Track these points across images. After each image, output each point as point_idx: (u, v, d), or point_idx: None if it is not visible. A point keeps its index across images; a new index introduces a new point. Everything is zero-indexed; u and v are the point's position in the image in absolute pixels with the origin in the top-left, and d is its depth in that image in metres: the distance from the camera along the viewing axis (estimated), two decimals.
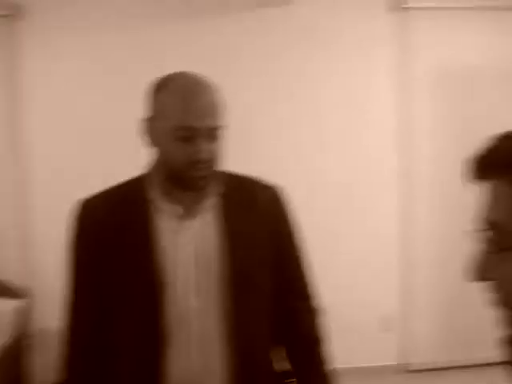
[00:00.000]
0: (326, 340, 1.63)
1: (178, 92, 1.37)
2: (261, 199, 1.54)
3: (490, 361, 4.25)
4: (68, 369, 1.49)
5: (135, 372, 1.43)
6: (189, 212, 1.46)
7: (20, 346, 3.54)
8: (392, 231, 4.25)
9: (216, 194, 1.49)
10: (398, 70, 4.18)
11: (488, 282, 0.71)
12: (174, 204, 1.45)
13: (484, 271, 0.71)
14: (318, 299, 1.66)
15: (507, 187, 0.68)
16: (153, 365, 1.41)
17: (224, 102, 1.44)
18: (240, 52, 4.03)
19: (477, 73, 4.21)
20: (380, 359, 4.26)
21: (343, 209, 4.15)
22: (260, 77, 4.03)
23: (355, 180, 4.18)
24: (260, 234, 1.50)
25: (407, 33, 4.14)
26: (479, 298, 0.72)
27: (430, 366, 4.26)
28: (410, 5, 4.09)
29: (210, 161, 1.40)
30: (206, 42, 3.99)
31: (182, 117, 1.35)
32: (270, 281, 1.53)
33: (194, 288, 1.43)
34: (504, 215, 0.68)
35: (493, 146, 0.70)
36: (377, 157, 4.22)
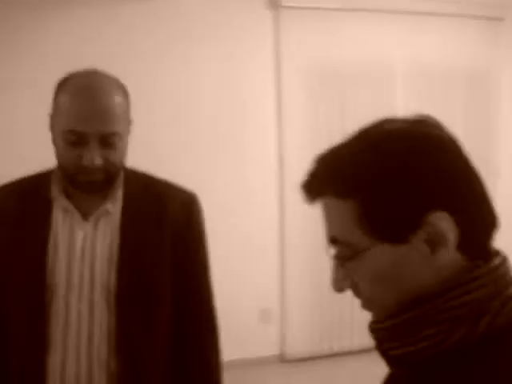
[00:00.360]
0: (220, 364, 1.55)
1: (72, 94, 1.32)
2: (170, 207, 1.46)
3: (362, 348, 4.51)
4: None
5: (21, 372, 1.39)
6: (87, 214, 1.41)
7: None
8: (271, 222, 4.34)
9: (118, 198, 1.43)
10: (274, 64, 4.27)
11: (347, 290, 0.76)
12: (73, 204, 1.40)
13: (337, 283, 0.76)
14: (216, 318, 1.57)
15: (333, 201, 0.72)
16: (36, 368, 1.37)
17: (129, 107, 1.39)
18: (118, 48, 3.92)
19: (349, 71, 4.40)
20: (260, 350, 4.34)
21: (222, 203, 4.17)
22: (138, 74, 3.94)
23: (233, 170, 4.22)
24: (160, 244, 1.43)
25: (283, 30, 4.24)
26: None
27: (307, 356, 4.42)
28: (289, 4, 4.19)
29: (103, 167, 1.33)
30: (78, 35, 3.85)
31: (71, 121, 1.31)
32: (167, 295, 1.46)
33: (82, 294, 1.38)
34: (338, 228, 0.73)
35: (311, 169, 0.75)
36: (255, 149, 4.29)
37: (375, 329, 0.74)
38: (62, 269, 1.38)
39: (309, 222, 4.25)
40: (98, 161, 1.31)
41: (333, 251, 0.76)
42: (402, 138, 0.71)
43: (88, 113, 1.30)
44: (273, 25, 4.25)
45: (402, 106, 4.43)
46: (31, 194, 1.43)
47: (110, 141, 1.32)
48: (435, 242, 0.68)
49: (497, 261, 0.71)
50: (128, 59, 3.87)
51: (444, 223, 0.67)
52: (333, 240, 0.75)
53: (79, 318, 1.38)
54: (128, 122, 1.40)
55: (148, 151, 3.91)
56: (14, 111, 3.80)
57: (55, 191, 1.41)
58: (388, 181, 0.69)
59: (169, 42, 4.06)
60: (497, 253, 0.73)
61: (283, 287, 4.42)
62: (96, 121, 1.30)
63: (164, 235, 1.43)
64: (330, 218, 0.75)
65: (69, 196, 1.41)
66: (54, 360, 1.37)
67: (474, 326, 0.67)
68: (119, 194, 1.43)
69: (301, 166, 4.27)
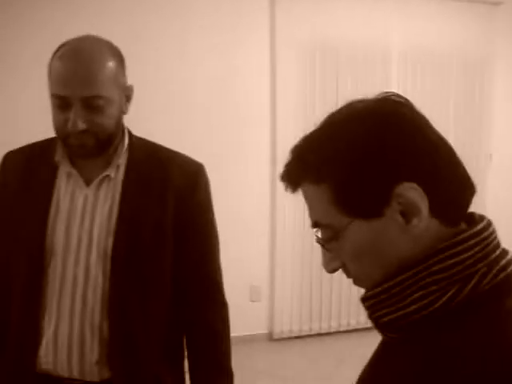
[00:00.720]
0: (227, 335, 1.53)
1: (58, 58, 1.31)
2: (174, 175, 1.44)
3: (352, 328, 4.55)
4: None
5: (17, 329, 1.42)
6: (90, 179, 1.41)
7: None
8: (262, 201, 4.37)
9: (121, 165, 1.42)
10: (269, 45, 4.26)
11: (338, 270, 0.80)
12: (77, 169, 1.41)
13: (327, 265, 0.80)
14: (222, 292, 1.55)
15: (309, 187, 0.77)
16: (30, 327, 1.40)
17: (121, 72, 1.38)
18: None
19: (345, 52, 4.38)
20: (250, 328, 4.38)
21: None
22: (134, 59, 3.90)
23: (227, 154, 4.21)
24: (163, 213, 1.41)
25: (279, 9, 4.20)
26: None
27: (294, 334, 4.47)
28: None
29: (90, 131, 1.32)
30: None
31: (54, 85, 1.31)
32: (166, 264, 1.44)
33: (79, 257, 1.39)
34: (318, 212, 0.77)
35: (287, 161, 0.79)
36: (249, 132, 4.29)
37: (365, 298, 0.77)
38: (62, 231, 1.39)
39: (299, 202, 4.24)
40: (81, 125, 1.30)
41: (318, 235, 0.80)
42: (366, 117, 0.75)
43: (69, 76, 1.29)
44: (269, 4, 4.21)
45: (396, 86, 4.42)
46: (38, 158, 1.45)
47: (93, 104, 1.30)
48: (407, 212, 0.71)
49: (480, 225, 0.73)
50: (125, 45, 3.82)
51: (412, 193, 0.70)
52: (315, 224, 0.79)
53: (74, 281, 1.38)
54: (120, 86, 1.37)
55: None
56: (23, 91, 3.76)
57: (60, 156, 1.42)
58: (354, 160, 0.73)
59: (164, 26, 4.02)
60: (481, 218, 0.76)
61: (273, 266, 4.44)
62: (76, 84, 1.29)
63: (166, 203, 1.42)
64: (309, 203, 0.79)
65: (73, 162, 1.42)
66: (48, 321, 1.39)
67: (460, 289, 0.69)
68: (122, 160, 1.43)
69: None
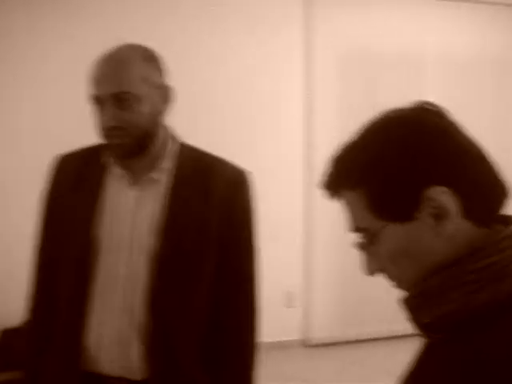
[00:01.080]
0: (255, 343, 1.54)
1: (96, 64, 1.40)
2: (218, 182, 1.47)
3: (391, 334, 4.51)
4: (30, 310, 1.56)
5: (64, 327, 1.47)
6: (135, 180, 1.46)
7: None
8: (296, 208, 4.38)
9: (165, 168, 1.47)
10: (306, 51, 4.27)
11: (378, 274, 0.83)
12: (123, 171, 1.47)
13: (366, 269, 0.84)
14: (254, 302, 1.54)
15: (347, 194, 0.82)
16: (76, 325, 1.44)
17: (155, 72, 1.43)
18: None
19: (380, 58, 4.36)
20: (284, 334, 4.38)
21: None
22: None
23: (265, 157, 4.22)
24: (206, 218, 1.45)
25: (316, 16, 4.21)
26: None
27: (329, 341, 4.44)
28: None
29: (121, 128, 1.38)
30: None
31: (91, 87, 1.40)
32: (208, 268, 1.47)
33: (122, 256, 1.43)
34: (355, 217, 0.82)
35: (326, 169, 0.84)
36: (286, 136, 4.31)
37: (405, 300, 0.80)
38: (106, 230, 1.44)
39: (334, 207, 4.24)
40: (111, 121, 1.37)
41: (357, 239, 0.83)
42: (399, 126, 0.79)
43: (100, 76, 1.38)
44: (304, 11, 4.23)
45: (431, 92, 4.38)
46: (89, 159, 1.52)
47: (122, 100, 1.37)
48: (439, 215, 0.74)
49: None
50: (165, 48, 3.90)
51: (443, 196, 0.74)
52: (354, 229, 0.83)
53: (120, 279, 1.43)
54: (153, 85, 1.42)
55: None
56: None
57: (107, 158, 1.48)
58: (386, 166, 0.77)
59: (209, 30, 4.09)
60: None
61: (307, 272, 4.43)
62: (106, 82, 1.37)
63: (209, 209, 1.45)
64: (348, 209, 0.83)
65: (120, 163, 1.47)
66: (94, 319, 1.43)
67: (498, 288, 0.71)
68: (166, 164, 1.47)
69: (330, 152, 4.24)
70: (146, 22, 3.97)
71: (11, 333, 3.75)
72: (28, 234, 1.76)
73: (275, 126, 4.29)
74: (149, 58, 1.43)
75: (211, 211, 1.45)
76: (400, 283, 0.82)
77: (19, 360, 3.71)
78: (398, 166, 0.76)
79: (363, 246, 0.82)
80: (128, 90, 1.37)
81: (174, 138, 1.51)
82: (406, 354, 0.86)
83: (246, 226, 1.52)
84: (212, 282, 1.48)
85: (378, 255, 0.80)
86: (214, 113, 4.14)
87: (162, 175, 1.46)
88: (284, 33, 4.25)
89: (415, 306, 0.78)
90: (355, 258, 0.85)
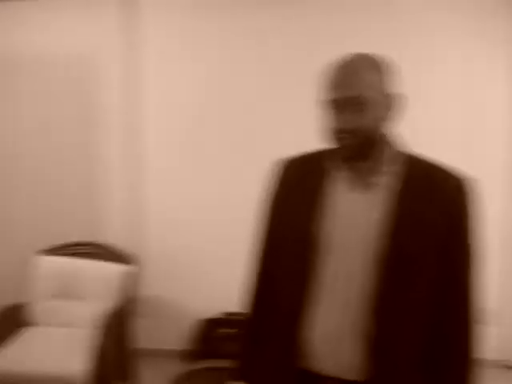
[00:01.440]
0: (472, 361, 1.54)
1: (332, 70, 1.49)
2: (443, 188, 1.50)
3: None
4: (251, 304, 1.70)
5: (285, 321, 1.54)
6: (359, 185, 1.52)
7: (126, 310, 3.60)
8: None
9: (392, 173, 1.52)
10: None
11: None
12: (343, 175, 1.55)
13: None
14: (473, 314, 1.55)
15: None
16: (295, 321, 1.51)
17: (390, 80, 1.52)
18: None
19: None
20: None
21: None
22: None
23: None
24: (433, 224, 1.47)
25: None
26: None
27: None
28: None
29: (351, 130, 1.45)
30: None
31: (327, 91, 1.49)
32: (430, 273, 1.49)
33: (346, 257, 1.48)
34: None
35: None
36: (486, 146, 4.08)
37: None
38: (327, 231, 1.50)
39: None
40: (345, 124, 1.45)
41: None
42: None
43: (337, 81, 1.47)
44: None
45: None
46: (311, 163, 1.63)
47: (355, 105, 1.45)
48: None
49: None
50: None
51: None
52: None
53: (343, 279, 1.47)
54: (380, 92, 1.48)
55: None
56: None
57: (331, 162, 1.57)
58: None
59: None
60: None
61: (507, 287, 4.13)
62: (341, 87, 1.46)
63: (434, 214, 1.47)
64: None
65: (345, 166, 1.54)
66: (314, 317, 1.49)
67: None
68: (390, 168, 1.52)
69: None
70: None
71: (213, 322, 4.01)
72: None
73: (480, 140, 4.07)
74: (377, 64, 1.50)
75: (436, 217, 1.47)
76: None
77: (222, 349, 3.97)
78: None
79: None
80: (359, 94, 1.45)
81: (398, 145, 1.56)
82: None
83: (468, 233, 1.52)
84: (432, 288, 1.49)
85: None
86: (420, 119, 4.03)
87: (385, 179, 1.51)
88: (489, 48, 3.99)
89: None
90: None
